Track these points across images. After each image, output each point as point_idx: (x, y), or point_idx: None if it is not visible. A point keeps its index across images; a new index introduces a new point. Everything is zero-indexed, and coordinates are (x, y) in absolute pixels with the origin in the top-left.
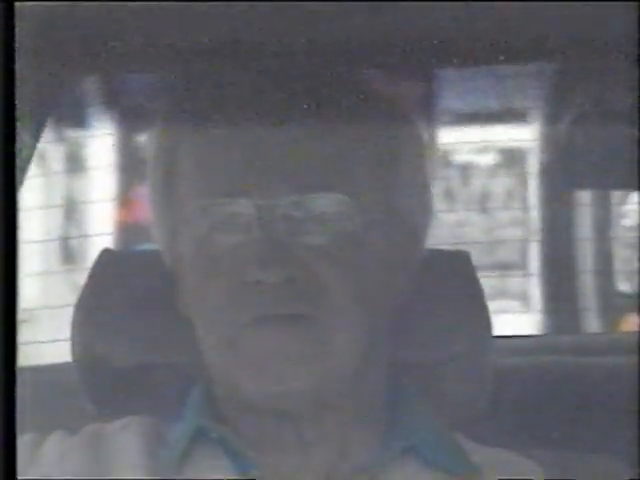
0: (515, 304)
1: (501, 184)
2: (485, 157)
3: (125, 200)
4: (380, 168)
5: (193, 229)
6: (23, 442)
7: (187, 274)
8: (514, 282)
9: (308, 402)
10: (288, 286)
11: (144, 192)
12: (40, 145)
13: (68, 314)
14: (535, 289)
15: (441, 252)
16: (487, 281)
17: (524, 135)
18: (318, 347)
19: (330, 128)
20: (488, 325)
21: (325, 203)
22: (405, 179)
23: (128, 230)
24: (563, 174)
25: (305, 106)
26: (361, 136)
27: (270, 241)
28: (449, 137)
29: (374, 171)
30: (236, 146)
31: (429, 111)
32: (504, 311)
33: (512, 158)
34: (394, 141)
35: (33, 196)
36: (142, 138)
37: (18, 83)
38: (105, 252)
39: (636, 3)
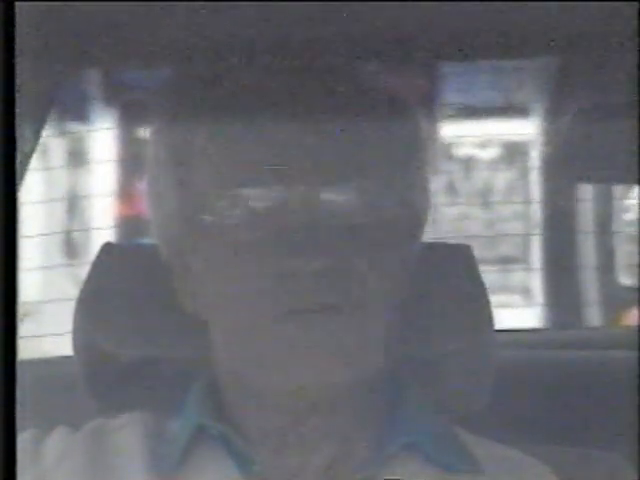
0: (517, 298)
1: (503, 178)
2: (487, 151)
3: (126, 194)
4: (386, 162)
5: (218, 221)
6: (24, 439)
7: (204, 268)
8: (516, 276)
9: (337, 396)
10: (322, 277)
11: (144, 186)
12: (42, 139)
13: (70, 308)
14: (537, 283)
15: (443, 246)
16: (489, 275)
17: (525, 129)
18: (352, 339)
19: (337, 123)
20: (490, 319)
21: (350, 194)
22: (409, 173)
23: (129, 224)
24: (564, 168)
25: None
26: (364, 130)
27: (305, 231)
28: (451, 131)
29: (382, 164)
30: (256, 139)
31: (431, 106)
32: (506, 305)
33: (514, 152)
34: (396, 135)
35: (35, 190)
36: (143, 132)
37: (19, 78)
38: (106, 246)
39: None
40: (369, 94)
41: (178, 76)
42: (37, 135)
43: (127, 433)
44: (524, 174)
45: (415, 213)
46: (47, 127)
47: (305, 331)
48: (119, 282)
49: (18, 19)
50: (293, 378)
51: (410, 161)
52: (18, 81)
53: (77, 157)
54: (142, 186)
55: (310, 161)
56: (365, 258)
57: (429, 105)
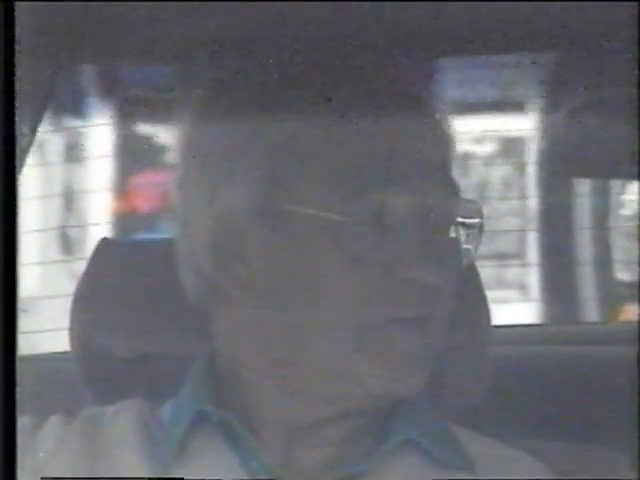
0: (514, 294)
1: (499, 173)
2: (483, 147)
3: (123, 190)
4: (428, 160)
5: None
6: (21, 427)
7: (269, 264)
8: (513, 272)
9: (398, 402)
10: (429, 289)
11: (141, 182)
12: (38, 135)
13: (67, 303)
14: (534, 279)
15: None
16: (486, 271)
17: (523, 125)
18: (431, 350)
19: (342, 121)
20: (487, 315)
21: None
22: (445, 171)
23: (126, 219)
24: (561, 163)
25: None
26: (392, 128)
27: (427, 241)
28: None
29: (426, 162)
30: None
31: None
32: (503, 301)
33: (510, 147)
34: (420, 131)
35: (31, 186)
36: (140, 128)
37: (17, 73)
38: (103, 241)
39: None
40: (369, 90)
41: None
42: (34, 131)
43: (123, 420)
44: (521, 169)
45: (476, 218)
46: (44, 123)
47: (397, 340)
48: (116, 278)
49: (17, 14)
50: (367, 383)
51: (451, 161)
52: (16, 76)
53: (74, 153)
54: (141, 181)
55: (372, 163)
56: (452, 268)
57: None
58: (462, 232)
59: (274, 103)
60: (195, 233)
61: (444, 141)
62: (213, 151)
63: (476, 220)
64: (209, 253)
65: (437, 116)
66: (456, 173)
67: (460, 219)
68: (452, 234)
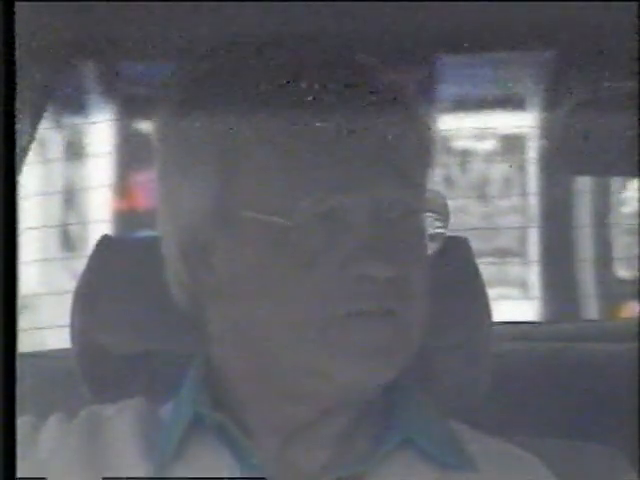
0: (514, 291)
1: (500, 171)
2: (484, 144)
3: (124, 187)
4: (402, 159)
5: (264, 220)
6: (20, 427)
7: (236, 265)
8: (513, 269)
9: (366, 396)
10: (385, 282)
11: (142, 179)
12: (39, 132)
13: (67, 301)
14: (534, 276)
15: (440, 238)
16: (486, 268)
17: (523, 122)
18: (401, 342)
19: (338, 119)
20: (487, 312)
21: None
22: (422, 168)
23: (127, 217)
24: (562, 161)
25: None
26: (372, 128)
27: (379, 237)
28: (448, 124)
29: (401, 162)
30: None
31: (428, 98)
32: (503, 298)
33: (511, 145)
34: (402, 130)
35: (32, 183)
36: (143, 125)
37: (17, 70)
38: (104, 239)
39: None
40: (370, 89)
41: (187, 70)
42: (35, 128)
43: (122, 421)
44: (521, 167)
45: (438, 211)
46: (45, 120)
47: (360, 333)
48: (116, 275)
49: (17, 12)
50: (335, 378)
51: (420, 156)
52: (16, 73)
53: (75, 150)
54: (142, 178)
55: (343, 162)
56: (413, 261)
57: (426, 98)
58: (425, 224)
59: (227, 106)
60: (168, 241)
61: (409, 137)
62: (174, 155)
63: (440, 212)
64: (181, 262)
65: (404, 112)
66: (436, 168)
67: (423, 212)
68: (413, 228)
